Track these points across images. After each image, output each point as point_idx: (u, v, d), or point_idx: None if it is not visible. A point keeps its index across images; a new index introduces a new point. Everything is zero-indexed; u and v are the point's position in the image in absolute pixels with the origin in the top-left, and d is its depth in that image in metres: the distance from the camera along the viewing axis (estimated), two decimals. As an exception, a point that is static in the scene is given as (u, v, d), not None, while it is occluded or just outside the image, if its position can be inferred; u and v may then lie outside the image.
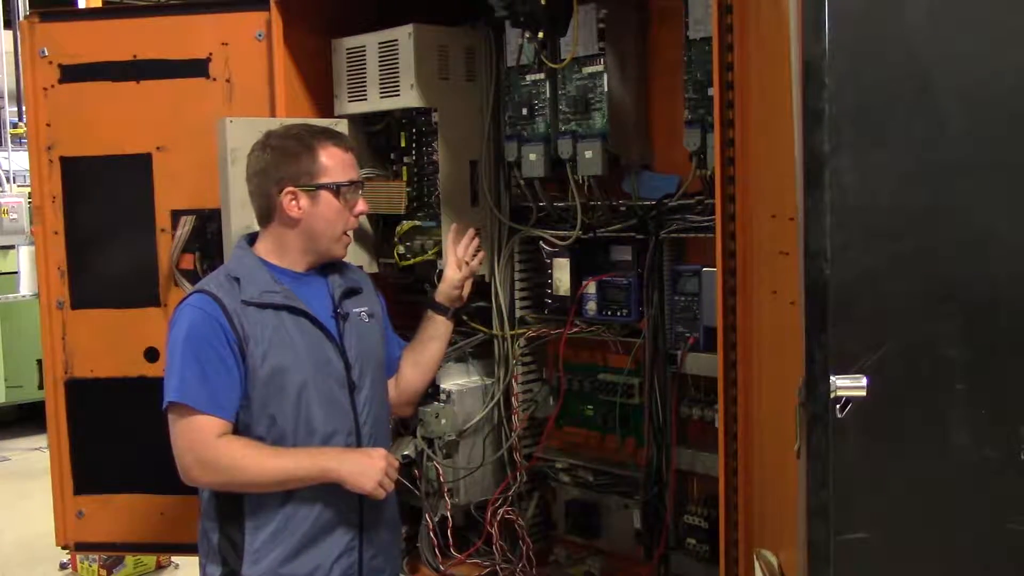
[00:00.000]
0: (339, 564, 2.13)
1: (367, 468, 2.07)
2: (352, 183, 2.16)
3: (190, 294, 2.14)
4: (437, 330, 2.47)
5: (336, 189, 2.13)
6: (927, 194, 1.33)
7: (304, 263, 2.19)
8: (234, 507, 2.10)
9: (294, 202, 2.12)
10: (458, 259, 2.49)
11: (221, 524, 2.12)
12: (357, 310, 2.25)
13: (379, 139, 2.93)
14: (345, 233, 2.19)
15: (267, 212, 2.16)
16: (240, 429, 2.09)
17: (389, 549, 2.29)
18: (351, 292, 2.26)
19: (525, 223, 2.74)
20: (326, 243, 2.16)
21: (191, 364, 2.03)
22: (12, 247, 7.99)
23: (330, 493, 2.10)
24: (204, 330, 2.04)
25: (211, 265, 2.75)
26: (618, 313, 2.52)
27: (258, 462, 2.04)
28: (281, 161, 2.13)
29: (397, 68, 2.64)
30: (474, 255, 2.52)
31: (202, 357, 2.03)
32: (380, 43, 2.68)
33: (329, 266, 2.25)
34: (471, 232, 2.55)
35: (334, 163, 2.13)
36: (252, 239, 2.23)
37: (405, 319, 3.03)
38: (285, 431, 2.09)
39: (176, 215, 2.82)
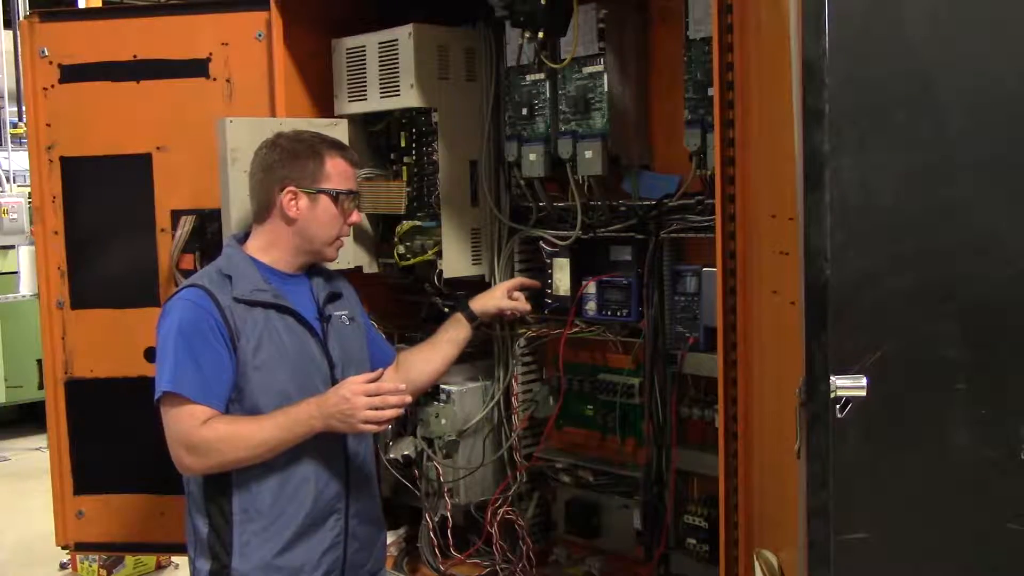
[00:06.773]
0: (326, 558, 2.18)
1: (346, 415, 2.05)
2: (351, 193, 2.25)
3: (182, 288, 2.17)
4: (459, 334, 2.56)
5: (335, 196, 2.21)
6: (927, 194, 1.34)
7: (294, 263, 2.24)
8: (223, 502, 2.14)
9: (293, 202, 2.18)
10: (511, 292, 2.62)
11: (210, 518, 2.15)
12: (339, 313, 2.29)
13: (379, 139, 2.92)
14: (338, 239, 2.26)
15: (265, 209, 2.22)
16: None
17: (372, 543, 2.34)
18: (333, 296, 2.31)
19: (525, 223, 2.74)
20: (319, 246, 2.24)
21: (184, 355, 2.06)
22: (12, 247, 8.00)
23: (320, 490, 2.16)
24: (197, 322, 2.07)
25: (211, 265, 2.75)
26: (618, 313, 2.52)
27: (244, 431, 2.06)
28: (288, 161, 2.20)
29: (397, 68, 2.64)
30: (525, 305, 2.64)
31: (195, 348, 2.06)
32: (380, 43, 2.68)
33: (313, 270, 2.30)
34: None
35: (337, 172, 2.22)
36: (240, 238, 2.28)
37: (406, 319, 3.04)
38: None
39: (176, 215, 2.81)
